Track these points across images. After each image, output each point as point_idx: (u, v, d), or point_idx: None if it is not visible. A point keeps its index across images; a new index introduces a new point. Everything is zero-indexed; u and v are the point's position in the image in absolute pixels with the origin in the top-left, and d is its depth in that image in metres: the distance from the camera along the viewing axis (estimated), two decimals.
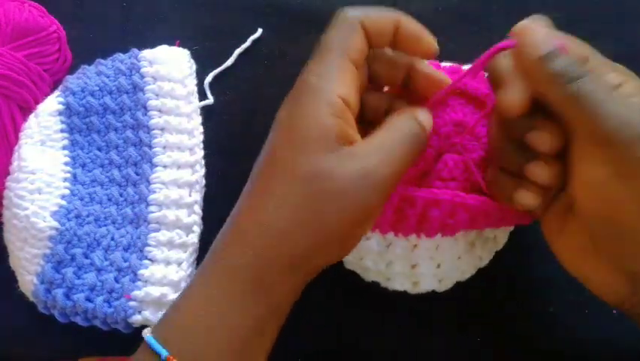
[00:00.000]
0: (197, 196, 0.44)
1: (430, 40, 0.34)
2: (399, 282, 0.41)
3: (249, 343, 0.31)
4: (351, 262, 0.42)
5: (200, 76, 0.48)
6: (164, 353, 0.30)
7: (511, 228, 0.41)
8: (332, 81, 0.31)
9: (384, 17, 0.33)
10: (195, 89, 0.47)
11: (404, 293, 0.42)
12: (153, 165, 0.44)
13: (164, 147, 0.45)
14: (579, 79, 0.29)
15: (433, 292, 0.42)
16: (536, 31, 0.31)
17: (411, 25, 0.33)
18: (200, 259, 0.44)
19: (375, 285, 0.42)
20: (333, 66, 0.32)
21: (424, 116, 0.33)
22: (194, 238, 0.44)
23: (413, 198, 0.36)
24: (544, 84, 0.30)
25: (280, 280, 0.31)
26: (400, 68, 0.35)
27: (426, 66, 0.35)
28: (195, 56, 0.48)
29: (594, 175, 0.30)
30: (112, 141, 0.45)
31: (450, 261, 0.40)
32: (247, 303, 0.30)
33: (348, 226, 0.31)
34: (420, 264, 0.40)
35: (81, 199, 0.44)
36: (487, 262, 0.42)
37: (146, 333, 0.31)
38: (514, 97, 0.31)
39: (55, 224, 0.42)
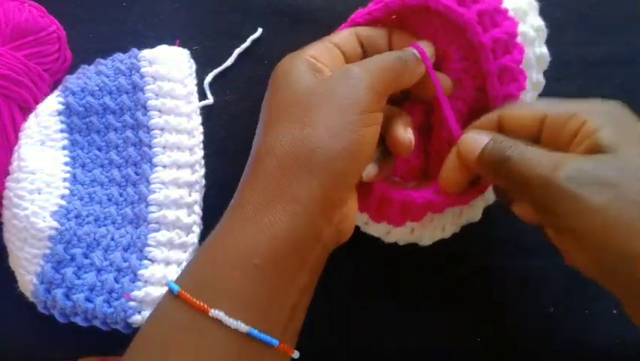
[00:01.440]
0: (197, 196, 0.44)
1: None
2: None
3: (261, 271, 0.30)
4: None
5: (200, 76, 0.48)
6: (175, 288, 0.30)
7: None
8: (308, 48, 0.37)
9: (377, 29, 0.40)
10: (195, 89, 0.47)
11: (403, 294, 0.42)
12: (153, 165, 0.44)
13: (164, 147, 0.45)
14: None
15: (433, 292, 0.42)
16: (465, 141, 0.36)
17: (402, 35, 0.40)
18: None
19: (375, 285, 0.42)
20: (313, 46, 0.38)
21: (424, 44, 0.38)
22: (194, 238, 0.43)
23: (390, 199, 0.38)
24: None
25: (295, 187, 0.32)
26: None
27: None
28: (195, 56, 0.48)
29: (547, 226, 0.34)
30: (112, 141, 0.45)
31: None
32: (257, 229, 0.31)
33: (340, 123, 0.33)
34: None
35: (81, 199, 0.44)
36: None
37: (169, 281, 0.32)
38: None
39: (55, 224, 0.42)
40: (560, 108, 0.34)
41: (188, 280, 0.31)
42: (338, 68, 0.35)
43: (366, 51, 0.39)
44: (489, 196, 0.42)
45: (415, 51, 0.37)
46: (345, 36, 0.38)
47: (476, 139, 0.35)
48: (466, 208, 0.42)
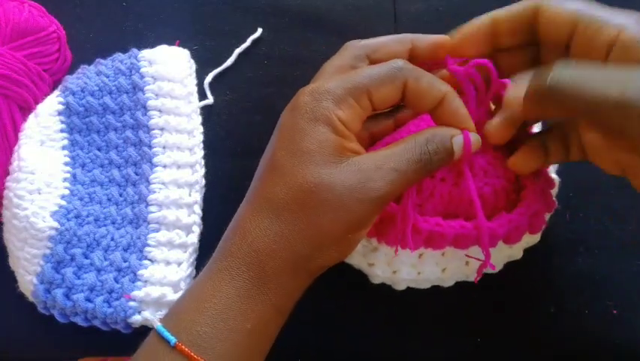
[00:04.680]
0: (197, 196, 0.44)
1: (468, 120, 0.34)
2: (402, 286, 0.42)
3: (251, 337, 0.32)
4: (359, 266, 0.42)
5: (200, 76, 0.48)
6: (172, 340, 0.31)
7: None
8: (336, 104, 0.32)
9: (433, 87, 0.33)
10: (195, 89, 0.47)
11: (403, 294, 0.42)
12: (153, 165, 0.44)
13: (164, 147, 0.45)
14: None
15: (433, 293, 0.42)
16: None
17: (454, 105, 0.34)
18: (199, 259, 0.44)
19: (374, 286, 0.42)
20: (346, 92, 0.32)
21: (459, 141, 0.33)
22: (193, 238, 0.43)
23: (418, 228, 0.36)
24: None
25: (282, 279, 0.32)
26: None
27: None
28: (195, 56, 0.48)
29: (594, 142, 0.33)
30: (112, 141, 0.45)
31: (455, 266, 0.41)
32: (249, 297, 0.32)
33: (342, 233, 0.32)
34: (424, 271, 0.40)
35: (81, 199, 0.44)
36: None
37: (156, 322, 0.33)
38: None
39: (55, 224, 0.42)
40: (592, 13, 0.31)
41: (184, 332, 0.32)
42: (365, 169, 0.32)
43: (407, 99, 0.34)
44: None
45: (451, 143, 0.33)
46: (389, 94, 0.33)
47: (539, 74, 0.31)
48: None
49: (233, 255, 0.33)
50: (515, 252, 0.41)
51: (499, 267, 0.41)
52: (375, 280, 0.42)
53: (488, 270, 0.37)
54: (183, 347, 0.31)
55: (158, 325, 0.32)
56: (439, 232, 0.36)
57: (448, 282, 0.42)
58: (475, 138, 0.34)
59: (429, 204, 0.37)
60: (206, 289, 0.33)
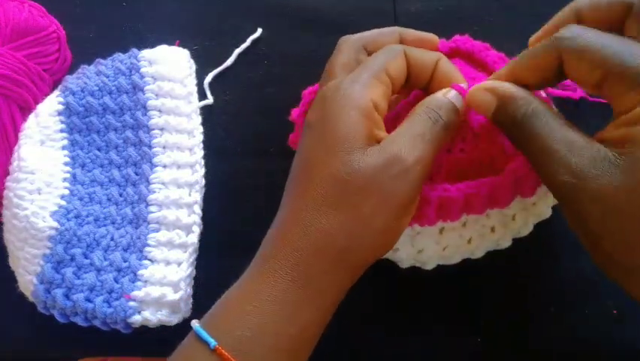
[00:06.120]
0: (197, 196, 0.44)
1: (462, 80, 0.36)
2: (431, 264, 0.41)
3: (294, 340, 0.32)
4: (385, 255, 0.41)
5: (200, 76, 0.48)
6: (212, 342, 0.31)
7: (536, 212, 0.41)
8: (365, 87, 0.33)
9: (427, 54, 0.36)
10: (195, 89, 0.47)
11: (403, 293, 0.42)
12: (153, 165, 0.44)
13: (164, 147, 0.45)
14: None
15: (434, 293, 0.42)
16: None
17: (447, 66, 0.36)
18: (199, 259, 0.44)
19: (374, 285, 0.42)
20: (368, 74, 0.34)
21: (453, 95, 0.34)
22: (193, 238, 0.43)
23: (427, 198, 0.36)
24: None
25: (326, 278, 0.32)
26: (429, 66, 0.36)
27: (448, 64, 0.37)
28: (195, 56, 0.48)
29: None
30: (111, 141, 0.45)
31: (479, 235, 0.40)
32: (293, 300, 0.31)
33: (384, 218, 0.32)
34: (449, 244, 0.40)
35: (81, 199, 0.44)
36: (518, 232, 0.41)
37: (195, 324, 0.32)
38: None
39: (55, 224, 0.42)
40: (620, 68, 0.29)
41: (224, 335, 0.31)
42: (389, 146, 0.32)
43: (410, 73, 0.36)
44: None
45: (455, 102, 0.34)
46: (400, 66, 0.35)
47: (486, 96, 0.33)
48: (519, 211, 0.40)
49: (275, 257, 0.32)
50: (542, 210, 0.41)
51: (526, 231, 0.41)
52: (404, 265, 0.41)
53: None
54: (223, 350, 0.30)
55: (196, 326, 0.32)
56: (448, 197, 0.35)
57: (478, 253, 0.41)
58: (466, 86, 0.35)
59: (438, 177, 0.37)
60: (247, 292, 0.32)
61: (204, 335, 0.31)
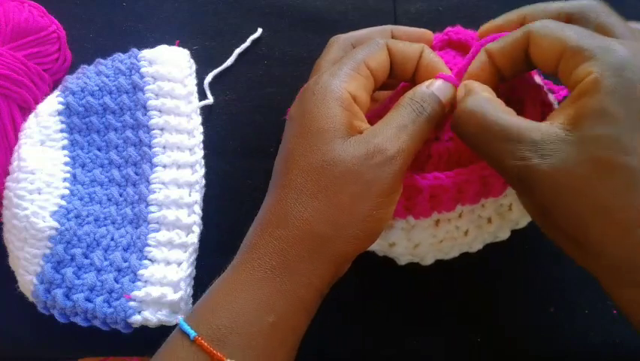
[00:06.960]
0: (197, 196, 0.44)
1: (446, 69, 0.36)
2: (429, 259, 0.41)
3: (272, 329, 0.32)
4: (383, 251, 0.42)
5: (200, 76, 0.48)
6: (192, 333, 0.31)
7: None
8: (343, 79, 0.34)
9: (410, 46, 0.36)
10: (195, 89, 0.47)
11: (402, 293, 0.42)
12: (153, 165, 0.44)
13: (164, 147, 0.45)
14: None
15: (433, 293, 0.42)
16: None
17: (431, 57, 0.36)
18: (199, 259, 0.44)
19: (374, 284, 0.42)
20: (347, 67, 0.34)
21: (437, 86, 0.35)
22: (193, 238, 0.43)
23: (419, 187, 0.36)
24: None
25: (303, 266, 0.32)
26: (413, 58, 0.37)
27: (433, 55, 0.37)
28: (195, 56, 0.48)
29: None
30: (112, 141, 0.45)
31: (476, 226, 0.40)
32: (270, 289, 0.32)
33: (365, 207, 0.32)
34: (445, 237, 0.40)
35: (81, 199, 0.44)
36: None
37: (179, 316, 0.33)
38: None
39: (55, 224, 0.42)
40: (577, 43, 0.30)
41: (203, 326, 0.31)
42: (371, 137, 0.32)
43: (393, 65, 0.36)
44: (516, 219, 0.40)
45: (438, 94, 0.35)
46: (381, 59, 0.35)
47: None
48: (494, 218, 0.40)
49: (255, 246, 0.33)
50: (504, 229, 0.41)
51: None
52: (402, 261, 0.41)
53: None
54: (202, 340, 0.31)
55: (180, 318, 0.32)
56: (440, 185, 0.36)
57: (476, 246, 0.41)
58: (449, 75, 0.35)
59: (429, 166, 0.37)
60: (228, 282, 0.33)
61: (185, 326, 0.32)
